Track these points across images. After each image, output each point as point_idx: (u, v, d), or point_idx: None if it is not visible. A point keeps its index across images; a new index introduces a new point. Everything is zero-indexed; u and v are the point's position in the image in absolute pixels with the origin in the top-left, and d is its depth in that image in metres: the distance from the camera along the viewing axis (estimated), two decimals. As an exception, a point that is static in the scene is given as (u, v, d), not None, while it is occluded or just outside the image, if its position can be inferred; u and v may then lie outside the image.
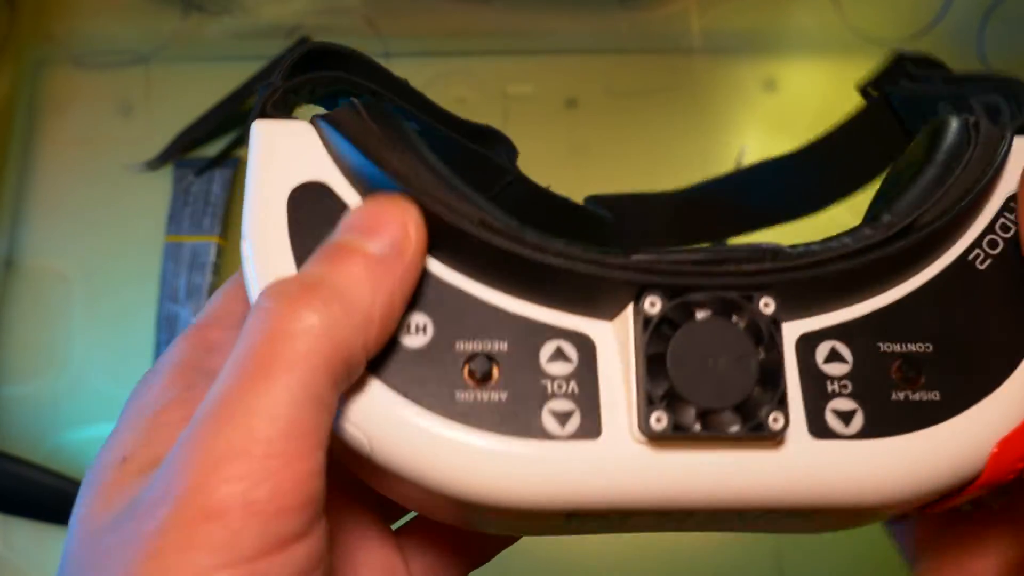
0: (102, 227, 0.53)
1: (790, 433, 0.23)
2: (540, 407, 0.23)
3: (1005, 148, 0.26)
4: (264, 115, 0.25)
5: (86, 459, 0.48)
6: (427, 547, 0.27)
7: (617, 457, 0.22)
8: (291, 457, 0.19)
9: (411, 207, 0.22)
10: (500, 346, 0.23)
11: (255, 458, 0.19)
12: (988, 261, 0.25)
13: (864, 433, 0.23)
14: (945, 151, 0.27)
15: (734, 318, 0.23)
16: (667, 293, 0.23)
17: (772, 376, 0.22)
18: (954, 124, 0.27)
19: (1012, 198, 0.26)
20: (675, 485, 0.23)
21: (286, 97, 0.25)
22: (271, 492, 0.18)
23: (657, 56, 0.58)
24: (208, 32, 0.58)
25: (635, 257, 0.23)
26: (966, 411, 0.24)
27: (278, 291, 0.20)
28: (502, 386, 0.23)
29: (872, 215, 0.26)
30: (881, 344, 0.24)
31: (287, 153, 0.24)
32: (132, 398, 0.22)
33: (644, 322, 0.22)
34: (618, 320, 0.23)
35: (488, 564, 0.29)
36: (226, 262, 0.53)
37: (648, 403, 0.22)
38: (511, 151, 0.34)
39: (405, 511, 0.28)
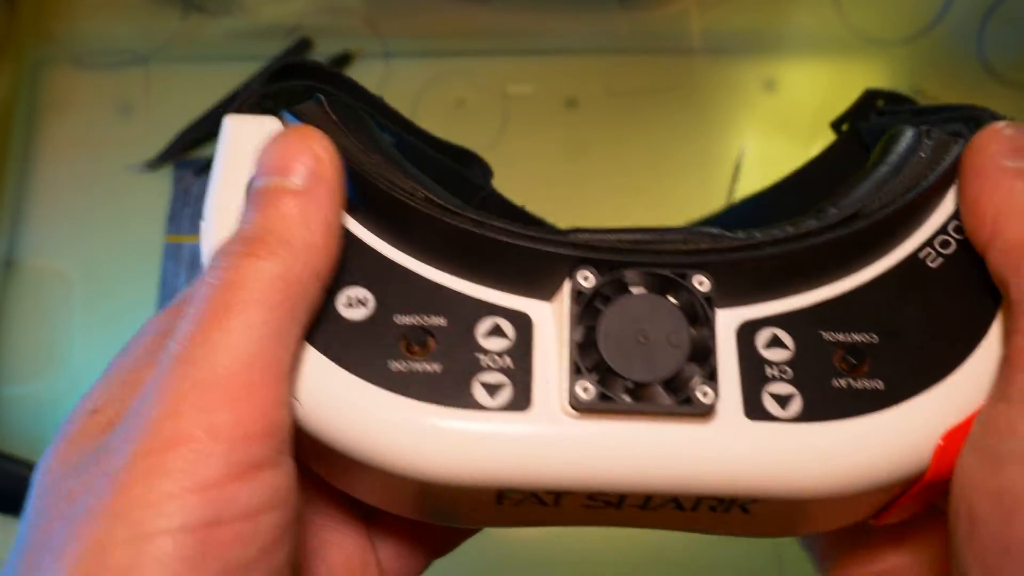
0: (102, 227, 0.53)
1: (724, 413, 0.23)
2: (471, 379, 0.23)
3: (957, 151, 0.26)
4: (240, 111, 0.26)
5: (86, 459, 0.48)
6: (393, 535, 0.28)
7: (545, 429, 0.22)
8: (254, 386, 0.19)
9: (313, 131, 0.23)
10: (438, 321, 0.23)
11: (218, 388, 0.19)
12: (939, 260, 0.25)
13: (802, 417, 0.23)
14: (897, 153, 0.27)
15: (668, 296, 0.23)
16: (601, 268, 0.23)
17: (704, 352, 0.22)
18: (908, 132, 0.27)
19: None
20: (603, 459, 0.23)
21: (261, 101, 0.26)
22: (235, 419, 0.19)
23: (657, 56, 0.58)
24: (208, 32, 0.58)
25: (573, 236, 0.24)
26: (911, 400, 0.23)
27: (223, 251, 0.21)
28: (436, 358, 0.23)
29: (819, 207, 0.26)
30: (824, 333, 0.24)
31: (252, 143, 0.24)
32: (110, 363, 0.23)
33: (576, 295, 0.23)
34: (556, 300, 0.23)
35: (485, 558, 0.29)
36: (226, 262, 0.53)
37: (576, 372, 0.22)
38: (486, 171, 0.35)
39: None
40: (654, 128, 0.56)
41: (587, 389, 0.22)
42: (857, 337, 0.24)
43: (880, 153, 0.28)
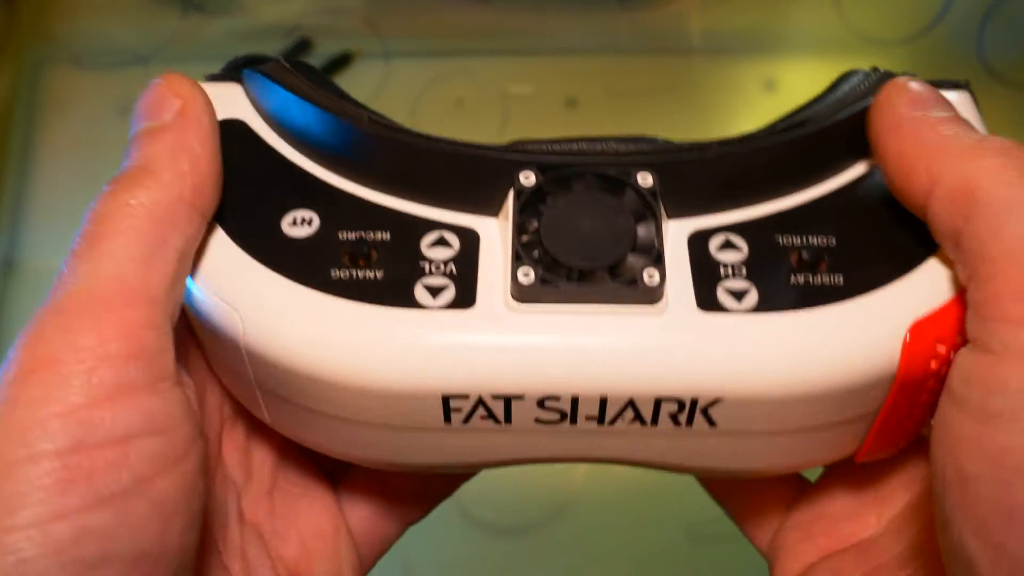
0: (102, 227, 0.53)
1: (676, 307, 0.22)
2: (414, 282, 0.23)
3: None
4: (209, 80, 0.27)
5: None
6: (364, 500, 0.28)
7: (488, 323, 0.22)
8: (117, 308, 0.19)
9: (180, 78, 0.23)
10: (382, 235, 0.23)
11: (79, 310, 0.19)
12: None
13: (758, 308, 0.22)
14: (848, 83, 0.27)
15: (613, 194, 0.23)
16: (543, 168, 0.23)
17: (649, 243, 0.22)
18: (856, 71, 0.27)
19: None
20: (549, 354, 0.22)
21: (224, 77, 0.27)
22: (97, 339, 0.19)
23: (657, 56, 0.58)
24: (208, 32, 0.58)
25: (516, 145, 0.24)
26: (872, 292, 0.22)
27: (102, 192, 0.22)
28: (378, 266, 0.23)
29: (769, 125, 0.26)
30: (780, 237, 0.23)
31: (212, 99, 0.25)
32: None
33: (518, 194, 0.23)
34: (503, 215, 0.23)
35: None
36: (226, 262, 0.53)
37: (517, 260, 0.22)
38: None
39: (345, 467, 0.29)
40: (654, 128, 0.56)
41: (528, 274, 0.22)
42: (814, 240, 0.23)
43: (829, 88, 0.28)
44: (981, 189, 0.19)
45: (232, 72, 0.27)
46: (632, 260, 0.22)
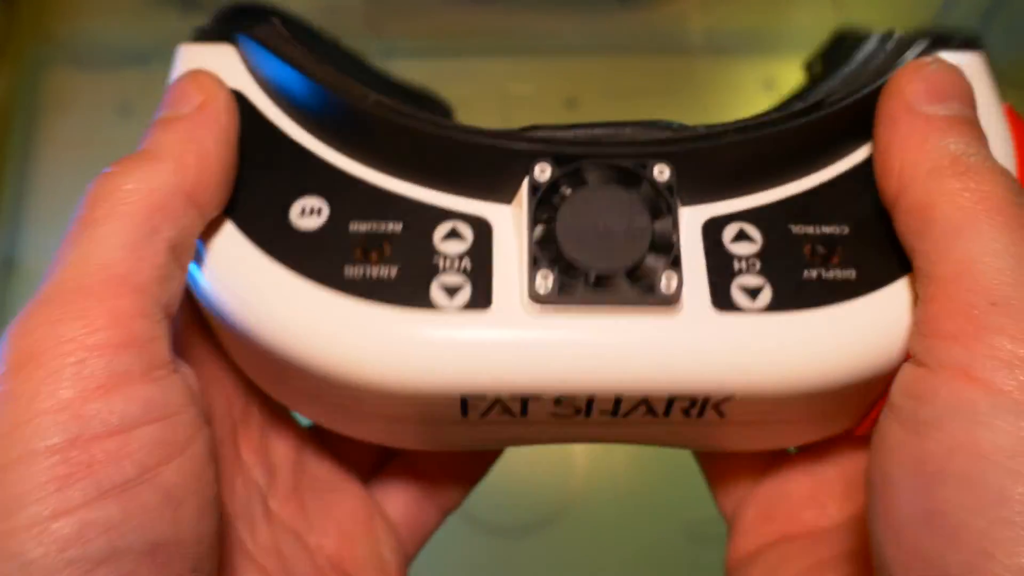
0: (102, 227, 0.53)
1: (691, 305, 0.22)
2: (429, 281, 0.22)
3: (920, 48, 0.25)
4: (195, 40, 0.26)
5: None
6: (399, 490, 0.28)
7: (506, 326, 0.22)
8: (103, 296, 0.19)
9: (207, 75, 0.23)
10: (394, 227, 0.23)
11: (66, 300, 0.19)
12: None
13: (772, 307, 0.22)
14: (862, 52, 0.26)
15: (629, 187, 0.22)
16: (558, 160, 0.22)
17: (666, 242, 0.22)
18: (871, 37, 0.27)
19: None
20: (567, 356, 0.22)
21: (215, 34, 0.26)
22: (85, 329, 0.18)
23: (657, 56, 0.58)
24: (208, 32, 0.58)
25: (529, 131, 0.23)
26: (885, 287, 0.22)
27: (102, 173, 0.21)
28: (392, 262, 0.22)
29: (784, 103, 0.25)
30: (794, 226, 0.23)
31: (206, 67, 0.24)
32: None
33: (533, 189, 0.22)
34: (516, 203, 0.23)
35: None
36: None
37: (534, 265, 0.22)
38: (446, 114, 0.34)
39: (372, 459, 0.29)
40: (654, 128, 0.56)
41: (546, 278, 0.21)
42: (827, 229, 0.23)
43: (844, 57, 0.27)
44: (937, 209, 0.20)
45: (223, 26, 0.26)
46: (650, 261, 0.22)
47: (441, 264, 0.22)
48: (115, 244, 0.20)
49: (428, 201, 0.23)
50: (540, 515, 0.50)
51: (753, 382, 0.22)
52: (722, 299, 0.22)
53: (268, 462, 0.26)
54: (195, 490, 0.20)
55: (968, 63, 0.25)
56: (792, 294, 0.22)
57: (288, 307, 0.22)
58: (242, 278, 0.22)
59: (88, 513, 0.17)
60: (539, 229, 0.22)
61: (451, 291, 0.22)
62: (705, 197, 0.23)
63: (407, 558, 0.29)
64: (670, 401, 0.22)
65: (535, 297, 0.21)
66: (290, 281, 0.22)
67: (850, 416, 0.24)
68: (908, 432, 0.19)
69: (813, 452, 0.27)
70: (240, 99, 0.24)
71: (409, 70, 0.31)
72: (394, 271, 0.22)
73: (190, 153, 0.22)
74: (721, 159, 0.23)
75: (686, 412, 0.23)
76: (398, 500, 0.28)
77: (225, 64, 0.25)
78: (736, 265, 0.22)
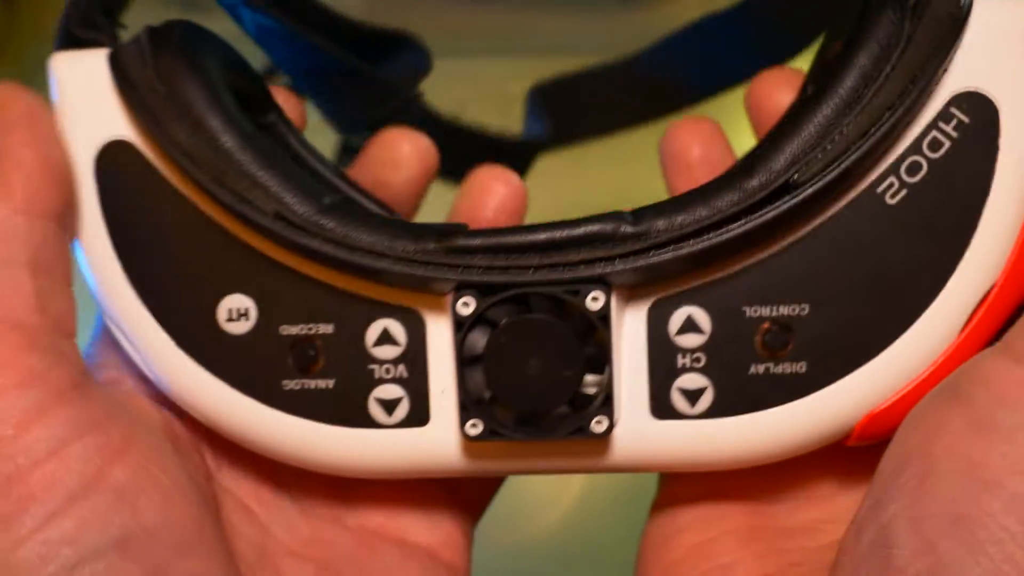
0: (102, 227, 0.53)
1: (628, 412, 0.21)
2: (366, 395, 0.22)
3: (958, 32, 0.19)
4: (72, 39, 0.23)
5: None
6: (424, 509, 0.27)
7: (444, 446, 0.22)
8: None
9: None
10: (325, 328, 0.22)
11: None
12: (901, 193, 0.20)
13: (711, 412, 0.21)
14: (858, 69, 0.20)
15: (559, 314, 0.21)
16: (483, 291, 0.21)
17: (598, 381, 0.21)
18: (885, 19, 0.20)
19: (959, 99, 0.20)
20: (504, 469, 0.23)
21: (98, 7, 0.23)
22: None
23: (657, 56, 0.58)
24: (208, 32, 0.58)
25: (456, 241, 0.21)
26: (833, 384, 0.21)
27: None
28: (328, 372, 0.22)
29: (745, 160, 0.21)
30: (747, 308, 0.21)
31: (86, 101, 0.22)
32: None
33: (457, 324, 0.21)
34: (448, 296, 0.21)
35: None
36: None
37: (463, 409, 0.21)
38: (420, 61, 0.31)
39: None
40: (654, 128, 0.56)
41: (475, 425, 0.21)
42: (785, 309, 0.21)
43: (849, 41, 0.21)
44: None
45: (77, 44, 0.23)
46: (580, 399, 0.21)
47: (377, 372, 0.22)
48: None
49: (357, 292, 0.22)
50: (535, 532, 0.50)
51: (687, 469, 0.23)
52: (660, 405, 0.21)
53: (267, 512, 0.26)
54: (151, 482, 0.20)
55: (1015, 16, 0.21)
56: (735, 395, 0.21)
57: (232, 420, 0.22)
58: (179, 387, 0.22)
59: (43, 534, 0.18)
60: (464, 363, 0.21)
61: (389, 406, 0.22)
62: (653, 283, 0.21)
63: (470, 509, 0.28)
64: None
65: (467, 437, 0.21)
66: (228, 395, 0.22)
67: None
68: (972, 428, 0.18)
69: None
70: (128, 153, 0.22)
71: (409, 70, 0.31)
72: (331, 383, 0.22)
73: (7, 171, 0.21)
74: (668, 268, 0.21)
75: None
76: (424, 515, 0.27)
77: (106, 94, 0.22)
78: (679, 361, 0.21)
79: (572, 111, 0.36)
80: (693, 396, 0.21)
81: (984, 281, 0.20)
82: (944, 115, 0.20)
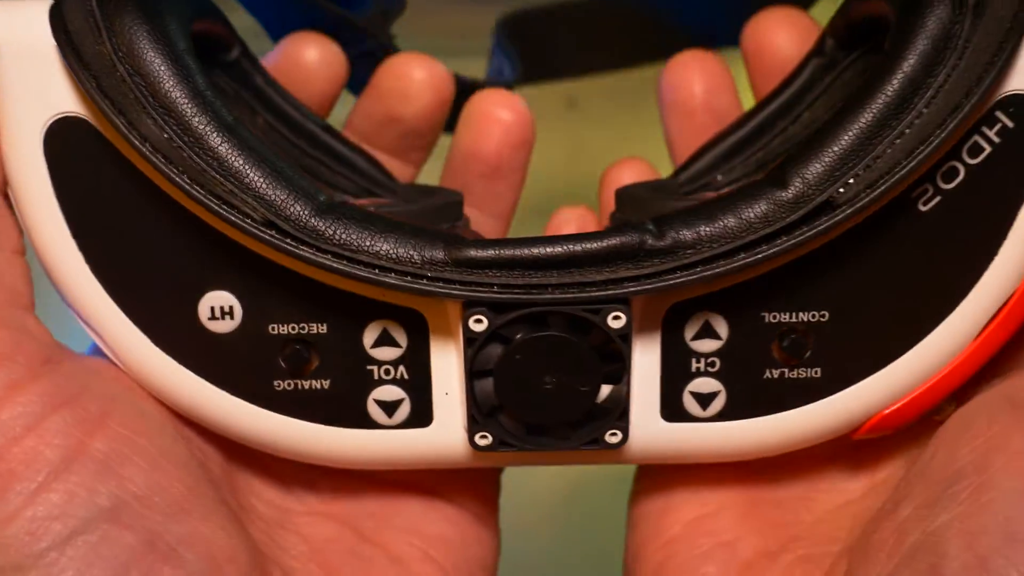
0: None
1: (639, 415, 0.21)
2: (365, 397, 0.21)
3: (1016, 46, 0.18)
4: None
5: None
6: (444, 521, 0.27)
7: (448, 446, 0.21)
8: None
9: None
10: (318, 328, 0.20)
11: None
12: (935, 200, 0.19)
13: (722, 415, 0.21)
14: (905, 71, 0.18)
15: (577, 332, 0.20)
16: (496, 308, 0.19)
17: (615, 397, 0.20)
18: (939, 9, 0.18)
19: (1005, 103, 0.18)
20: (510, 464, 0.22)
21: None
22: None
23: (657, 56, 0.57)
24: (208, 32, 0.58)
25: (466, 252, 0.19)
26: (845, 390, 0.21)
27: None
28: (323, 372, 0.21)
29: (780, 169, 0.19)
30: (767, 314, 0.20)
31: (28, 69, 0.19)
32: None
33: (468, 340, 0.20)
34: (452, 308, 0.21)
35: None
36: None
37: (473, 422, 0.20)
38: (391, 1, 0.29)
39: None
40: (654, 128, 0.56)
41: (484, 437, 0.20)
42: (804, 316, 0.20)
43: (886, 63, 0.19)
44: None
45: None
46: (595, 411, 0.20)
47: (376, 373, 0.21)
48: None
49: (351, 290, 0.20)
50: (540, 514, 0.50)
51: (697, 462, 0.22)
52: (672, 408, 0.21)
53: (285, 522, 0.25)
54: (134, 449, 0.20)
55: None
56: (747, 399, 0.21)
57: (223, 420, 0.21)
58: (164, 390, 0.21)
59: (31, 511, 0.18)
60: (475, 378, 0.20)
61: (389, 407, 0.21)
62: (672, 287, 0.20)
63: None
64: None
65: (476, 447, 0.21)
66: (216, 396, 0.21)
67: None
68: None
69: None
70: (83, 130, 0.19)
71: (409, 70, 0.31)
72: (326, 383, 0.21)
73: None
74: (694, 286, 0.20)
75: None
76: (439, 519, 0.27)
77: (51, 64, 0.19)
78: (693, 365, 0.21)
79: (543, 48, 0.33)
80: (705, 400, 0.21)
81: (1006, 289, 0.19)
82: (988, 119, 0.19)
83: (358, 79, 0.27)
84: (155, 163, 0.18)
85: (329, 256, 0.19)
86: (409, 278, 0.19)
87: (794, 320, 0.20)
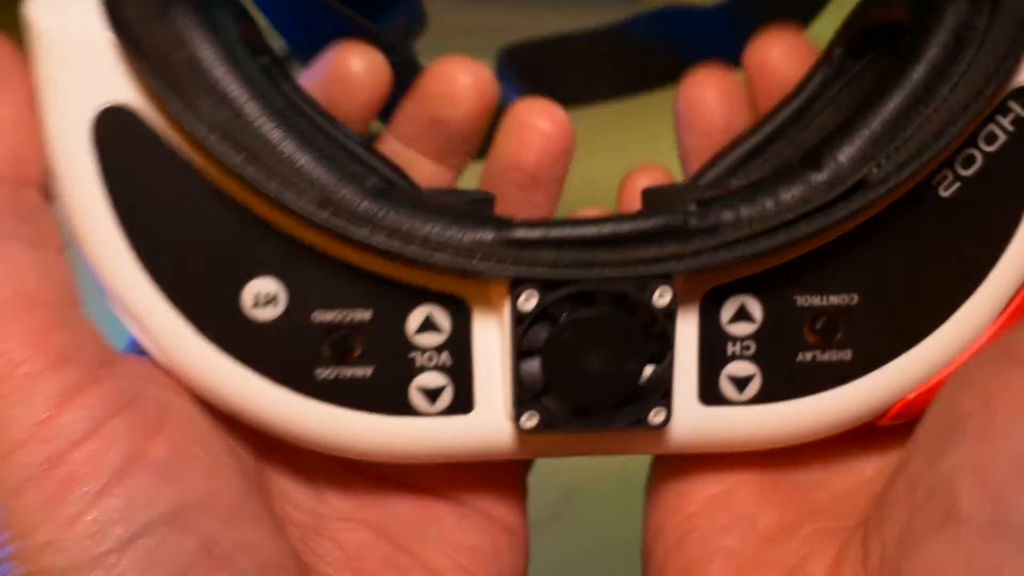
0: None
1: (678, 399, 0.21)
2: (407, 383, 0.21)
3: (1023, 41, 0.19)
4: None
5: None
6: (478, 467, 0.26)
7: (490, 435, 0.21)
8: (9, 325, 0.19)
9: None
10: (362, 315, 0.21)
11: None
12: (955, 186, 0.20)
13: (759, 398, 0.21)
14: (940, 42, 0.20)
15: (624, 311, 0.20)
16: (545, 285, 0.20)
17: (659, 376, 0.21)
18: (958, 7, 0.20)
19: (1018, 94, 0.20)
20: (552, 454, 0.22)
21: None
22: (9, 364, 0.18)
23: (657, 56, 0.58)
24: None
25: (515, 233, 0.20)
26: (875, 371, 0.21)
27: None
28: (366, 360, 0.21)
29: (813, 153, 0.20)
30: (799, 297, 0.21)
31: (76, 59, 0.19)
32: None
33: (517, 319, 0.20)
34: (496, 290, 0.21)
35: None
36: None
37: (519, 403, 0.20)
38: (414, 18, 0.30)
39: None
40: (654, 128, 0.56)
41: (531, 418, 0.20)
42: (835, 299, 0.21)
43: (915, 34, 0.20)
44: None
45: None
46: (640, 391, 0.21)
47: (418, 360, 0.21)
48: None
49: (397, 278, 0.20)
50: (543, 510, 0.50)
51: (731, 450, 0.23)
52: (709, 392, 0.21)
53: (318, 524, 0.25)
54: (191, 455, 0.20)
55: None
56: (782, 382, 0.21)
57: (262, 412, 0.21)
58: (203, 380, 0.21)
59: (92, 514, 0.18)
60: (522, 357, 0.20)
61: (431, 394, 0.21)
62: (706, 278, 0.21)
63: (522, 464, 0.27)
64: None
65: (521, 429, 0.21)
66: (257, 385, 0.21)
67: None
68: None
69: None
70: (129, 121, 0.20)
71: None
72: (368, 371, 0.21)
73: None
74: (735, 248, 0.20)
75: None
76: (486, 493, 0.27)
77: (99, 51, 0.19)
78: (729, 349, 0.21)
79: (547, 78, 0.34)
80: (742, 383, 0.21)
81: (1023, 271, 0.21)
82: (1002, 108, 0.20)
83: None
84: (211, 145, 0.19)
85: (381, 237, 0.19)
86: (460, 258, 0.19)
87: (825, 303, 0.21)
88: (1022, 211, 0.21)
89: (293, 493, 0.23)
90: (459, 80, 0.25)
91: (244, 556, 0.20)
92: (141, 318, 0.20)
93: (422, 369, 0.21)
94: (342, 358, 0.20)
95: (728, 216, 0.20)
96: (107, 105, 0.19)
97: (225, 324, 0.20)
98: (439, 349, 0.21)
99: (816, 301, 0.21)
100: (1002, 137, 0.20)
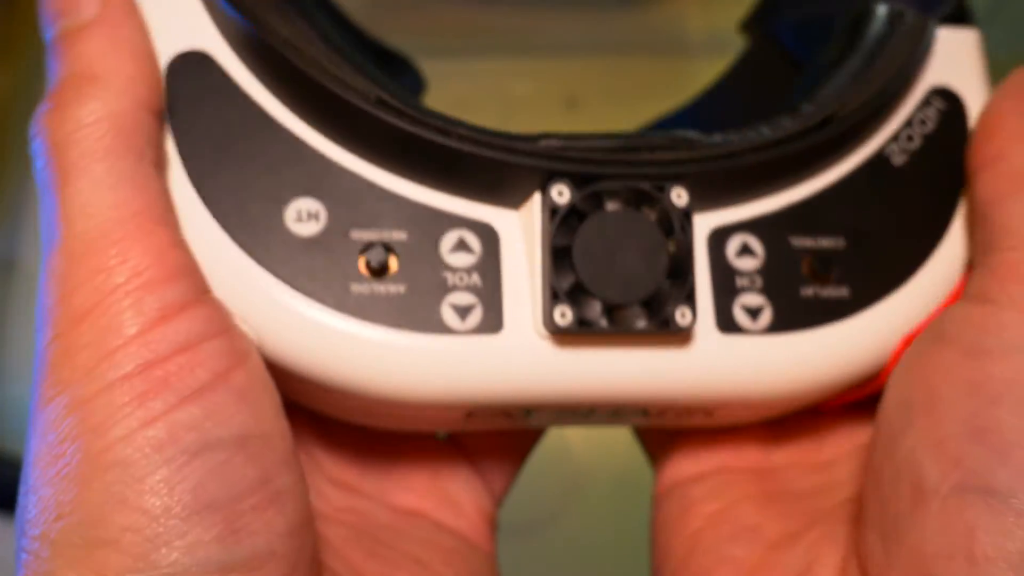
0: (102, 227, 0.53)
1: (698, 328, 0.22)
2: (440, 301, 0.22)
3: (928, 37, 0.25)
4: None
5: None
6: (450, 494, 0.27)
7: (519, 352, 0.22)
8: (136, 235, 0.19)
9: None
10: (398, 235, 0.22)
11: (97, 248, 0.19)
12: (903, 157, 0.25)
13: (772, 328, 0.23)
14: (869, 39, 0.26)
15: (645, 209, 0.22)
16: (576, 181, 0.22)
17: (681, 270, 0.22)
18: (879, 12, 0.26)
19: (934, 93, 0.25)
20: (578, 381, 0.22)
21: None
22: (132, 271, 0.19)
23: (657, 56, 0.58)
24: (208, 32, 0.58)
25: (544, 142, 0.22)
26: (872, 307, 0.23)
27: (45, 112, 0.21)
28: (400, 278, 0.22)
29: (791, 105, 0.25)
30: (793, 239, 0.23)
31: (159, 8, 0.22)
32: None
33: (551, 212, 0.21)
34: (524, 209, 0.22)
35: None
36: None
37: (553, 297, 0.21)
38: (417, 83, 0.33)
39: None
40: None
41: (564, 314, 0.21)
42: (825, 242, 0.24)
43: (850, 37, 0.26)
44: None
45: None
46: (664, 290, 0.22)
47: (450, 280, 0.22)
48: (114, 183, 0.19)
49: (432, 204, 0.22)
50: (543, 510, 0.50)
51: (749, 395, 0.23)
52: (726, 320, 0.23)
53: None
54: (265, 392, 0.20)
55: (961, 40, 0.26)
56: (790, 314, 0.23)
57: (292, 330, 0.21)
58: (236, 291, 0.21)
59: (173, 416, 0.19)
60: (555, 253, 0.21)
61: (462, 312, 0.22)
62: (713, 206, 0.23)
63: (494, 497, 0.28)
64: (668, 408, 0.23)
65: (551, 328, 0.21)
66: (292, 299, 0.21)
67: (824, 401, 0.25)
68: (966, 357, 0.21)
69: None
70: (206, 64, 0.22)
71: (409, 70, 0.31)
72: (403, 288, 0.22)
73: (127, 59, 0.20)
74: (738, 177, 0.23)
75: (679, 414, 0.24)
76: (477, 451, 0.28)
77: (179, 4, 0.22)
78: (738, 282, 0.23)
79: None
80: (754, 313, 0.23)
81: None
82: (926, 102, 0.26)
83: None
84: (286, 54, 0.21)
85: (435, 132, 0.21)
86: (506, 152, 0.21)
87: (815, 246, 0.23)
88: (961, 175, 0.25)
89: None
90: None
91: (290, 501, 0.20)
92: (190, 235, 0.21)
93: (454, 288, 0.22)
94: (378, 274, 0.21)
95: (732, 136, 0.23)
96: (186, 50, 0.22)
97: (267, 238, 0.21)
98: (469, 271, 0.22)
99: (809, 243, 0.23)
100: (931, 124, 0.25)
